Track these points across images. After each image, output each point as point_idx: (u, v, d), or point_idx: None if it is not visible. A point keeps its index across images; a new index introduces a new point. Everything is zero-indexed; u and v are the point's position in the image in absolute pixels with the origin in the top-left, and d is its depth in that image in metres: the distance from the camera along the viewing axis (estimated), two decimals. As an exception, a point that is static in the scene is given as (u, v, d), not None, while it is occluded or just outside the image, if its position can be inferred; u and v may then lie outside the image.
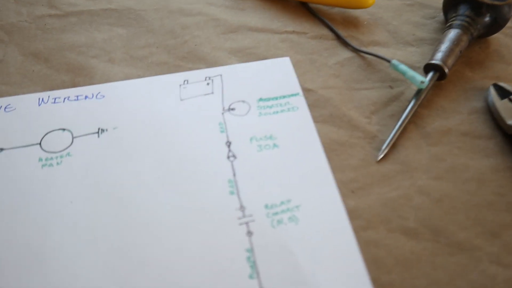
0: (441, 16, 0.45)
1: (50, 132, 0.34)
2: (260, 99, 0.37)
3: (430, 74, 0.38)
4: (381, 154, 0.34)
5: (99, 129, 0.35)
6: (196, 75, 0.38)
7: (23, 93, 0.37)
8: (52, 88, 0.37)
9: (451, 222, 0.31)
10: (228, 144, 0.34)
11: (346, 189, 0.32)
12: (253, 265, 0.28)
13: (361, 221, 0.31)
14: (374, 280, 0.28)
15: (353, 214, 0.31)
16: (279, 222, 0.30)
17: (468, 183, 0.33)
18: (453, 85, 0.39)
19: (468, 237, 0.30)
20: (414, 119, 0.37)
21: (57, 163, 0.33)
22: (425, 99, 0.38)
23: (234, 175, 0.32)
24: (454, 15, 0.41)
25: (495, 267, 0.29)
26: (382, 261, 0.29)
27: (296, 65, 0.39)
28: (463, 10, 0.40)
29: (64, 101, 0.36)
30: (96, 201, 0.31)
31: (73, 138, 0.34)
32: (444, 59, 0.38)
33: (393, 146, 0.35)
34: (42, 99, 0.36)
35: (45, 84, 0.37)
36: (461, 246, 0.30)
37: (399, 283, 0.28)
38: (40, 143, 0.34)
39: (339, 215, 0.31)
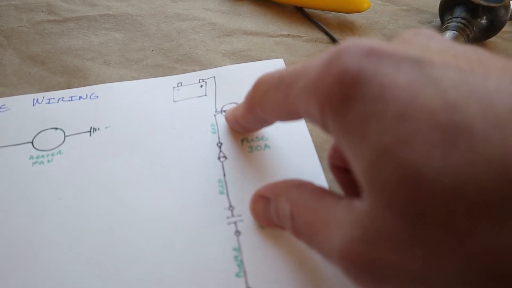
0: (437, 21, 0.45)
1: (42, 131, 0.34)
2: (253, 100, 0.37)
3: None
4: (374, 155, 0.34)
5: (91, 128, 0.35)
6: (190, 77, 0.38)
7: (19, 94, 0.37)
8: (47, 90, 0.37)
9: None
10: (219, 145, 0.34)
11: (338, 190, 0.32)
12: (240, 264, 0.28)
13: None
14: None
15: (344, 214, 0.30)
16: (269, 221, 0.30)
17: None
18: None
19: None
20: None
21: (48, 161, 0.33)
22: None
23: (224, 175, 0.32)
24: (450, 17, 0.41)
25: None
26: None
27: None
28: (459, 12, 0.40)
29: (58, 102, 0.36)
30: (85, 197, 0.31)
31: (65, 136, 0.34)
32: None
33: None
34: (37, 99, 0.37)
35: (40, 85, 0.38)
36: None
37: None
38: (32, 142, 0.34)
39: (330, 215, 0.30)
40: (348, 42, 0.20)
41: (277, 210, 0.26)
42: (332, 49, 0.20)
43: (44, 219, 0.30)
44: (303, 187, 0.24)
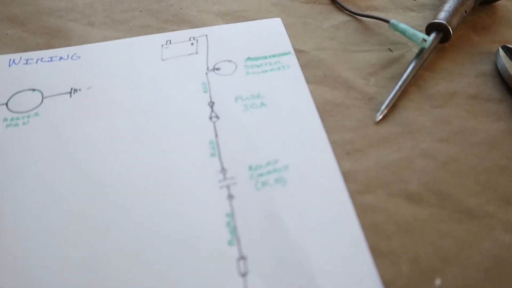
0: (444, -17, 0.42)
1: (18, 92, 0.32)
2: (248, 59, 0.34)
3: (433, 34, 0.35)
4: (380, 115, 0.31)
5: (71, 89, 0.32)
6: (180, 35, 0.35)
7: (-6, 55, 0.34)
8: (25, 50, 0.35)
9: (459, 186, 0.28)
10: (211, 104, 0.31)
11: (341, 150, 0.29)
12: (233, 231, 0.25)
13: (358, 184, 0.27)
14: (373, 247, 0.25)
15: (348, 177, 0.28)
16: (264, 184, 0.27)
17: (477, 146, 0.30)
18: (458, 48, 0.36)
19: (479, 203, 0.27)
20: (416, 81, 0.33)
21: (23, 123, 0.30)
22: (428, 62, 0.35)
23: (216, 136, 0.29)
24: (458, -25, 0.38)
25: (510, 236, 0.26)
26: (381, 226, 0.26)
27: (287, 28, 0.37)
28: (467, -31, 0.37)
29: (36, 62, 0.33)
30: (63, 161, 0.28)
31: (43, 98, 0.31)
32: (448, 18, 0.35)
33: (394, 108, 0.32)
34: (13, 60, 0.34)
35: (18, 46, 0.35)
36: (471, 213, 0.26)
37: (400, 250, 0.25)
38: (6, 103, 0.31)
39: (332, 177, 0.27)
40: None
41: None
42: None
43: (18, 184, 0.27)
44: None
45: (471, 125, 0.31)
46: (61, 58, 0.34)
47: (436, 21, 0.35)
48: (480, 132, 0.31)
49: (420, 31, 0.37)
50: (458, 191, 0.28)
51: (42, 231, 0.25)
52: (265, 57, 0.34)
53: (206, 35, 0.35)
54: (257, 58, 0.34)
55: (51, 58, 0.34)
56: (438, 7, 0.37)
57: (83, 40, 0.35)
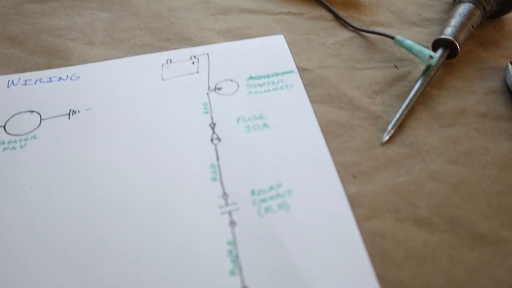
0: (450, -3, 0.42)
1: (16, 114, 0.31)
2: (250, 77, 0.33)
3: (440, 50, 0.34)
4: (386, 136, 0.30)
5: (70, 110, 0.31)
6: (180, 54, 0.35)
7: (-8, 75, 0.34)
8: (24, 71, 0.34)
9: (470, 210, 0.27)
10: (212, 125, 0.30)
11: (347, 173, 0.28)
12: (235, 260, 0.24)
13: (365, 209, 0.26)
14: (381, 276, 0.24)
15: (355, 201, 0.27)
16: (267, 209, 0.26)
17: (488, 167, 0.29)
18: (466, 64, 0.35)
19: (492, 228, 0.26)
20: (423, 99, 0.33)
21: (21, 146, 0.29)
22: (435, 78, 0.34)
23: (218, 159, 0.28)
24: (464, -10, 0.37)
25: (526, 263, 0.24)
26: (389, 254, 0.25)
27: (290, 45, 0.36)
28: (474, -17, 0.37)
29: (35, 83, 0.33)
30: (59, 186, 0.27)
31: (41, 120, 0.31)
32: (455, 34, 0.34)
33: (401, 128, 0.31)
34: (12, 81, 0.33)
35: (17, 66, 0.34)
36: (484, 238, 0.25)
37: (410, 280, 0.24)
38: (4, 126, 0.30)
39: (338, 202, 0.26)
40: None
41: None
42: None
43: (13, 210, 0.26)
44: None
45: (481, 144, 0.30)
46: (60, 78, 0.33)
47: (442, 37, 0.34)
48: (491, 152, 0.29)
49: (426, 47, 0.36)
50: (469, 215, 0.26)
51: (37, 259, 0.24)
52: (268, 76, 0.33)
53: (207, 54, 0.35)
54: (259, 77, 0.33)
55: (50, 78, 0.33)
56: (444, 22, 0.36)
57: (83, 60, 0.35)
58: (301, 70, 0.34)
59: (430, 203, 0.27)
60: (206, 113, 0.31)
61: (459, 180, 0.28)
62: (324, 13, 0.40)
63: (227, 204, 0.26)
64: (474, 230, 0.26)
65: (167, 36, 0.37)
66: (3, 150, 0.29)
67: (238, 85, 0.32)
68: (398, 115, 0.31)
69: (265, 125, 0.30)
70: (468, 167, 0.29)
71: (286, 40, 0.36)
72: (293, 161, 0.28)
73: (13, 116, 0.31)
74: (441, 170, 0.28)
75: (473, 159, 0.29)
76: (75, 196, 0.27)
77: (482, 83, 0.34)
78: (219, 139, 0.29)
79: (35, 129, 0.30)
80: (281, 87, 0.32)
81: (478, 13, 0.35)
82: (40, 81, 0.33)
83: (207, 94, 0.32)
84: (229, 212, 0.26)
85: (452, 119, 0.31)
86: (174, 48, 0.36)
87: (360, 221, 0.26)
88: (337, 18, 0.39)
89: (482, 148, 0.30)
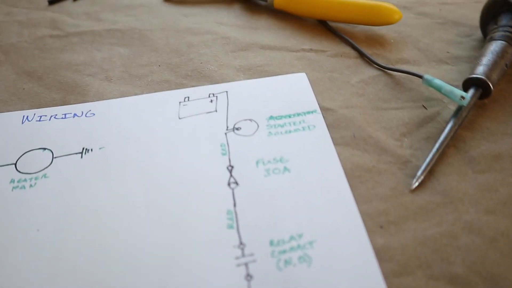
0: (478, 34, 0.40)
1: (28, 151, 0.30)
2: (271, 117, 0.31)
3: (472, 90, 0.32)
4: (416, 182, 0.28)
5: (83, 149, 0.30)
6: (199, 91, 0.34)
7: (9, 111, 0.33)
8: (40, 106, 0.33)
9: (511, 268, 0.24)
10: (230, 168, 0.29)
11: (374, 223, 0.26)
12: (252, 319, 0.22)
13: (394, 264, 0.24)
14: None
15: (382, 255, 0.24)
16: (287, 262, 0.24)
17: (530, 219, 0.26)
18: (500, 104, 0.33)
19: (538, 290, 0.23)
20: (454, 142, 0.30)
21: (30, 185, 0.28)
22: (466, 120, 0.32)
23: (235, 205, 0.27)
24: (494, 27, 0.35)
25: None
26: (423, 318, 0.22)
27: (313, 83, 0.35)
28: (505, 20, 0.35)
29: (50, 119, 0.32)
30: (67, 229, 0.26)
31: (53, 158, 0.30)
32: (488, 73, 0.32)
33: (431, 173, 0.28)
34: (27, 116, 0.32)
35: (33, 102, 0.34)
36: (529, 302, 0.23)
37: None
38: (15, 163, 0.29)
39: (364, 256, 0.24)
40: None
41: None
42: None
43: (17, 254, 0.25)
44: None
45: (521, 193, 0.27)
46: (75, 115, 0.32)
47: (474, 76, 0.32)
48: (532, 202, 0.27)
49: (456, 86, 0.34)
50: (511, 273, 0.24)
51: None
52: (289, 116, 0.31)
53: (227, 92, 0.33)
54: (280, 117, 0.31)
55: (65, 115, 0.32)
56: (475, 60, 0.34)
57: (99, 96, 0.34)
58: (324, 110, 0.32)
59: (466, 259, 0.24)
60: (224, 154, 0.29)
61: (497, 233, 0.25)
62: (347, 50, 0.38)
63: (243, 255, 0.24)
64: (518, 292, 0.23)
65: (185, 72, 0.36)
66: (12, 189, 0.28)
67: (258, 125, 0.31)
68: (428, 159, 0.29)
69: (285, 169, 0.28)
70: (507, 218, 0.26)
71: (308, 78, 0.35)
72: (316, 209, 0.26)
73: (25, 153, 0.30)
74: (477, 221, 0.26)
75: (512, 209, 0.27)
76: (81, 239, 0.25)
77: (518, 126, 0.32)
78: (236, 183, 0.28)
79: (46, 167, 0.29)
80: (303, 128, 0.30)
81: (510, 51, 0.34)
82: (55, 118, 0.32)
83: (225, 134, 0.30)
84: (246, 264, 0.24)
85: (487, 164, 0.29)
86: (192, 85, 0.35)
87: (388, 277, 0.24)
88: (361, 55, 0.37)
89: (522, 197, 0.27)
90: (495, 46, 0.34)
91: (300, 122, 0.31)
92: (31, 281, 0.24)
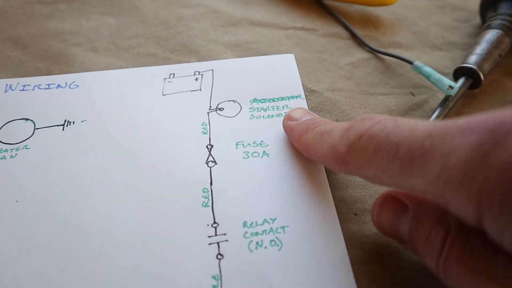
0: (476, 20, 0.39)
1: (10, 121, 0.30)
2: (254, 100, 0.31)
3: (462, 80, 0.31)
4: (394, 171, 0.28)
5: (65, 121, 0.30)
6: (184, 68, 0.33)
7: (-8, 78, 0.33)
8: (24, 75, 0.33)
9: None
10: (210, 147, 0.28)
11: (348, 210, 0.26)
12: (219, 297, 0.22)
13: (364, 251, 0.24)
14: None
15: (353, 242, 0.25)
16: (258, 245, 0.24)
17: None
18: (489, 95, 0.33)
19: None
20: (439, 132, 0.30)
21: (11, 156, 0.28)
22: (453, 109, 0.31)
23: (211, 183, 0.27)
24: (493, 14, 0.34)
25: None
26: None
27: (301, 64, 0.34)
28: (505, 8, 0.34)
29: (33, 89, 0.32)
30: (46, 202, 0.26)
31: (34, 129, 0.30)
32: (480, 62, 0.31)
33: (411, 163, 0.28)
34: (10, 85, 0.32)
35: (17, 70, 0.34)
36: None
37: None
38: (-4, 133, 0.29)
39: (334, 243, 0.24)
40: (508, 115, 0.15)
41: (418, 228, 0.20)
42: (479, 119, 0.16)
43: (-5, 224, 0.25)
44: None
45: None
46: (58, 86, 0.32)
47: (465, 65, 0.31)
48: None
49: (447, 73, 0.34)
50: None
51: (16, 279, 0.23)
52: (273, 100, 0.31)
53: (212, 70, 0.33)
54: (264, 100, 0.31)
55: (49, 85, 0.32)
56: (469, 48, 0.33)
57: (85, 67, 0.34)
58: (309, 92, 0.32)
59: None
60: (205, 133, 0.29)
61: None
62: (340, 30, 0.37)
63: (216, 234, 0.25)
64: None
65: (172, 46, 0.35)
66: (-7, 160, 0.28)
67: (241, 107, 0.31)
68: (409, 148, 0.28)
69: (264, 153, 0.28)
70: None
71: (297, 58, 0.34)
72: (291, 194, 0.26)
73: (6, 123, 0.30)
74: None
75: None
76: (59, 212, 0.25)
77: (505, 118, 0.31)
78: (215, 162, 0.28)
79: (28, 138, 0.29)
80: (286, 113, 0.30)
81: (507, 41, 0.33)
82: (39, 88, 0.32)
83: (208, 113, 0.30)
84: (218, 244, 0.24)
85: (468, 156, 0.29)
86: (178, 60, 0.34)
87: (357, 264, 0.24)
88: (354, 36, 0.37)
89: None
90: (490, 35, 0.33)
91: (283, 107, 0.30)
92: (7, 251, 0.24)
